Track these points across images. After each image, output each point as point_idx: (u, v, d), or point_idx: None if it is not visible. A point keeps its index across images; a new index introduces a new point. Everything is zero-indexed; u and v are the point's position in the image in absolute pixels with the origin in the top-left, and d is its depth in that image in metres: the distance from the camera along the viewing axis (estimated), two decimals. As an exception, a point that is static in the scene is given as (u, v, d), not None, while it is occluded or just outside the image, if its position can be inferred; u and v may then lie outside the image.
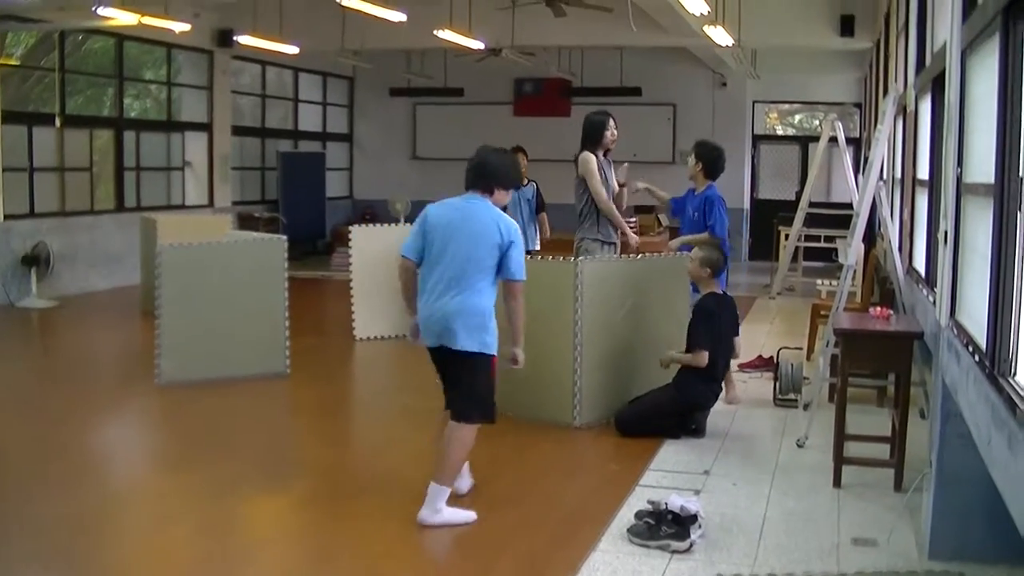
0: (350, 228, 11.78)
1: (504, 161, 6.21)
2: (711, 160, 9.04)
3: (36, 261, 14.08)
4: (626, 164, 9.21)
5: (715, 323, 7.60)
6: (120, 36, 16.24)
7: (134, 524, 5.97)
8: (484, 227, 5.86)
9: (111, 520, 6.00)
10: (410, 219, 14.30)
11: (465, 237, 5.85)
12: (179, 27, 14.21)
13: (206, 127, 18.76)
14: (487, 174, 6.05)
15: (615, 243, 8.92)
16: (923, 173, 7.91)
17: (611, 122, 8.90)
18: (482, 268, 5.81)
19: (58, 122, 15.39)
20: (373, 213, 21.73)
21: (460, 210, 6.01)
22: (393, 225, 12.50)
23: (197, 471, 6.84)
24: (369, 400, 8.70)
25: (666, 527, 5.44)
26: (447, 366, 5.97)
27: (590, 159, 8.74)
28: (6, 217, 14.11)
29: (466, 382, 5.91)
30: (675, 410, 7.57)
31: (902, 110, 9.31)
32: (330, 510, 6.19)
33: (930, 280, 6.95)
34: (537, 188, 12.18)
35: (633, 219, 17.11)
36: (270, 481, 6.75)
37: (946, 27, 5.68)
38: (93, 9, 12.22)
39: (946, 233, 5.22)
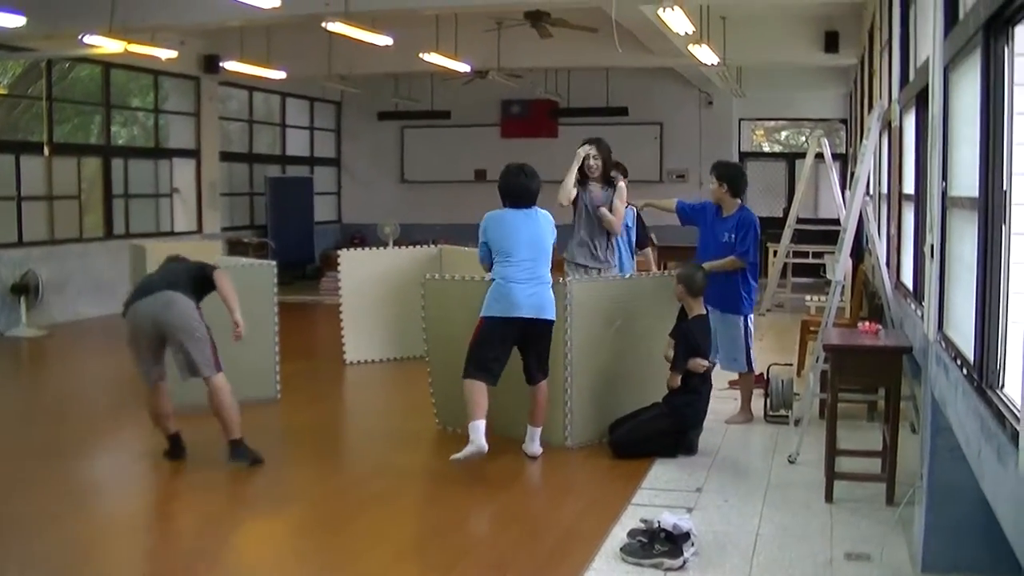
0: (339, 252, 11.76)
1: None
2: (734, 178, 8.71)
3: (25, 290, 14.05)
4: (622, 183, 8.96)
5: (692, 345, 7.61)
6: (107, 64, 16.28)
7: (127, 556, 5.94)
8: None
9: (104, 553, 5.96)
10: (399, 242, 14.28)
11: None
12: (165, 54, 14.26)
13: (194, 153, 18.80)
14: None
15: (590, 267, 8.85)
16: (909, 187, 7.94)
17: (586, 149, 8.75)
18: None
19: (46, 150, 15.41)
20: (362, 237, 21.77)
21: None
22: (382, 249, 12.52)
23: (190, 499, 6.82)
24: (360, 423, 8.70)
25: (659, 545, 5.44)
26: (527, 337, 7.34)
27: None
28: (-5, 247, 14.13)
29: (545, 347, 7.41)
30: (671, 431, 7.57)
31: (887, 125, 9.35)
32: (324, 534, 6.18)
33: (918, 294, 6.97)
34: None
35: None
36: (264, 507, 6.74)
37: (929, 43, 5.71)
38: (80, 38, 12.27)
39: (932, 247, 5.24)
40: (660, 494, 6.74)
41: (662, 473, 7.21)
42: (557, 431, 7.71)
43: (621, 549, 5.58)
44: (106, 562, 5.81)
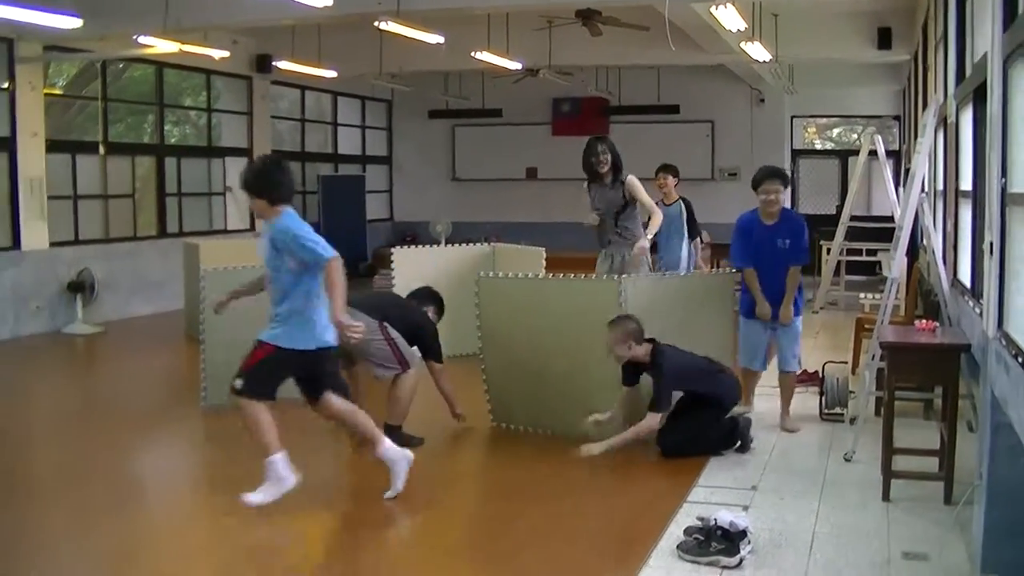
0: (392, 250, 11.80)
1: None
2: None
3: (81, 287, 14.23)
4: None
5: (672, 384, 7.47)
6: (160, 64, 16.44)
7: (180, 550, 5.98)
8: None
9: (157, 546, 6.03)
10: (451, 240, 14.29)
11: None
12: (218, 54, 14.39)
13: (246, 152, 18.92)
14: None
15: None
16: (966, 184, 7.86)
17: (595, 147, 9.11)
18: None
19: (101, 150, 15.58)
20: (414, 235, 21.82)
21: None
22: (434, 246, 12.52)
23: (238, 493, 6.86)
24: (414, 421, 8.64)
25: (716, 543, 5.42)
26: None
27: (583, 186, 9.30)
28: (51, 244, 14.29)
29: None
30: (716, 421, 7.54)
31: (943, 121, 9.27)
32: (378, 532, 6.22)
33: (976, 291, 6.91)
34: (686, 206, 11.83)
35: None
36: (313, 505, 6.76)
37: (986, 37, 5.65)
38: (134, 38, 12.39)
39: (991, 244, 5.19)
40: (716, 492, 6.71)
41: (717, 471, 7.18)
42: (611, 426, 7.67)
43: (678, 547, 5.56)
44: (160, 556, 5.87)
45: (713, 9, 11.23)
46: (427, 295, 8.39)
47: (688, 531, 5.66)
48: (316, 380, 6.45)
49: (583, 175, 9.22)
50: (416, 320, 7.97)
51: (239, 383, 6.23)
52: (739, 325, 8.52)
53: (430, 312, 8.22)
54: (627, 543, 5.90)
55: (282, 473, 6.25)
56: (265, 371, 6.25)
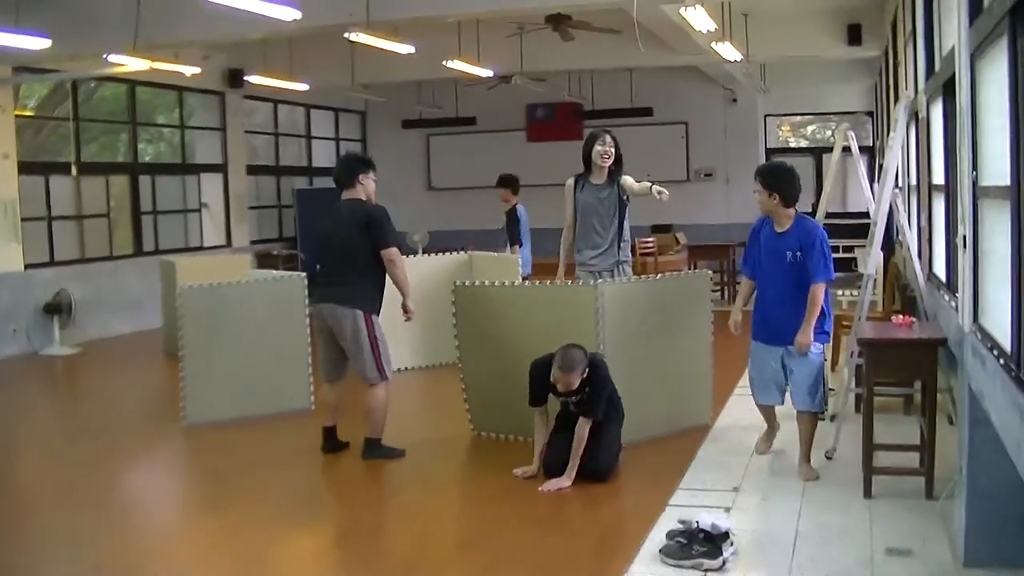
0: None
1: None
2: (785, 185, 6.98)
3: (58, 309, 14.16)
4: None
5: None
6: (132, 82, 16.36)
7: (167, 569, 5.94)
8: None
9: (144, 566, 5.97)
10: (428, 250, 14.27)
11: None
12: (189, 70, 14.34)
13: (221, 168, 18.87)
14: None
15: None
16: (938, 178, 7.89)
17: (603, 139, 8.45)
18: None
19: (74, 170, 15.52)
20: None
21: None
22: (412, 257, 12.46)
23: (227, 512, 6.83)
24: (395, 430, 8.63)
25: (698, 545, 5.41)
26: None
27: (567, 184, 8.70)
28: (27, 267, 14.23)
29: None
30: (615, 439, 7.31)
31: (914, 116, 9.30)
32: (363, 543, 6.21)
33: (951, 285, 6.93)
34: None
35: (650, 239, 17.14)
36: (301, 519, 6.74)
37: (954, 31, 5.67)
38: (104, 57, 12.34)
39: (964, 237, 5.20)
40: (697, 494, 6.70)
41: (698, 473, 7.18)
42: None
43: (660, 551, 5.56)
44: (153, 569, 5.83)
45: (682, 11, 11.24)
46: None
47: (670, 534, 5.66)
48: None
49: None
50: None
51: None
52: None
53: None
54: (610, 547, 5.90)
55: None
56: None
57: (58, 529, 6.61)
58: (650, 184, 8.24)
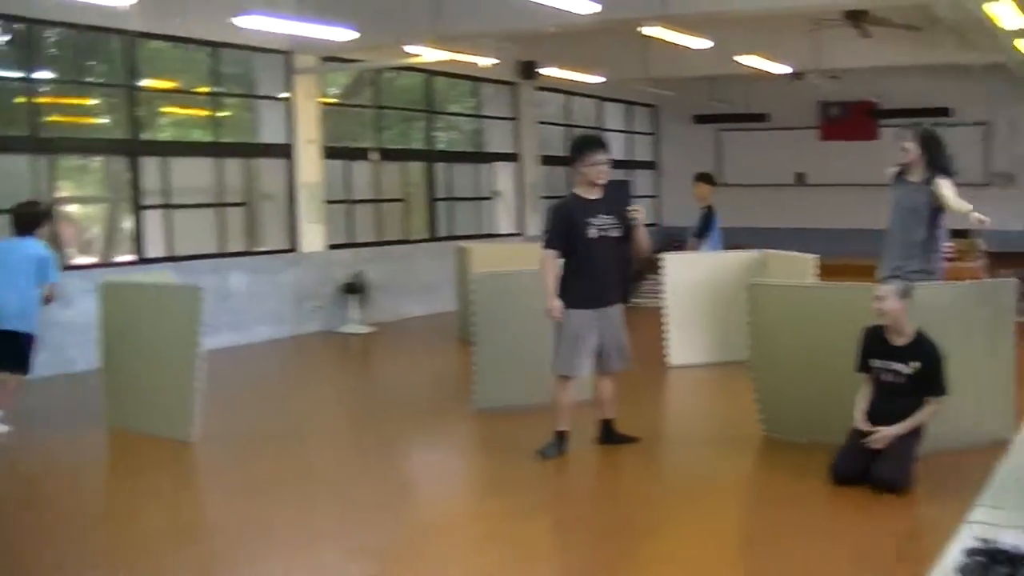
0: (661, 256, 11.75)
1: None
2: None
3: (356, 289, 14.78)
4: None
5: None
6: (429, 72, 16.88)
7: (447, 551, 6.05)
8: None
9: (427, 546, 6.14)
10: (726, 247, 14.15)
11: None
12: (485, 61, 14.69)
13: (514, 157, 19.25)
14: None
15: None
16: None
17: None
18: None
19: (375, 156, 16.12)
20: (682, 241, 21.70)
21: None
22: (704, 253, 12.36)
23: (507, 497, 6.99)
24: (683, 427, 8.59)
25: (1000, 567, 5.20)
26: None
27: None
28: (329, 247, 14.90)
29: None
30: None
31: None
32: (636, 539, 6.21)
33: None
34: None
35: (950, 243, 16.50)
36: (572, 508, 6.81)
37: None
38: (403, 47, 12.81)
39: None
40: (997, 513, 6.41)
41: (999, 491, 6.84)
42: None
43: (959, 569, 5.36)
44: (428, 556, 5.98)
45: (987, 6, 10.80)
46: None
47: (969, 553, 5.45)
48: None
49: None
50: None
51: None
52: None
53: None
54: (903, 564, 5.71)
55: None
56: None
57: (341, 506, 6.87)
58: (970, 208, 7.83)
